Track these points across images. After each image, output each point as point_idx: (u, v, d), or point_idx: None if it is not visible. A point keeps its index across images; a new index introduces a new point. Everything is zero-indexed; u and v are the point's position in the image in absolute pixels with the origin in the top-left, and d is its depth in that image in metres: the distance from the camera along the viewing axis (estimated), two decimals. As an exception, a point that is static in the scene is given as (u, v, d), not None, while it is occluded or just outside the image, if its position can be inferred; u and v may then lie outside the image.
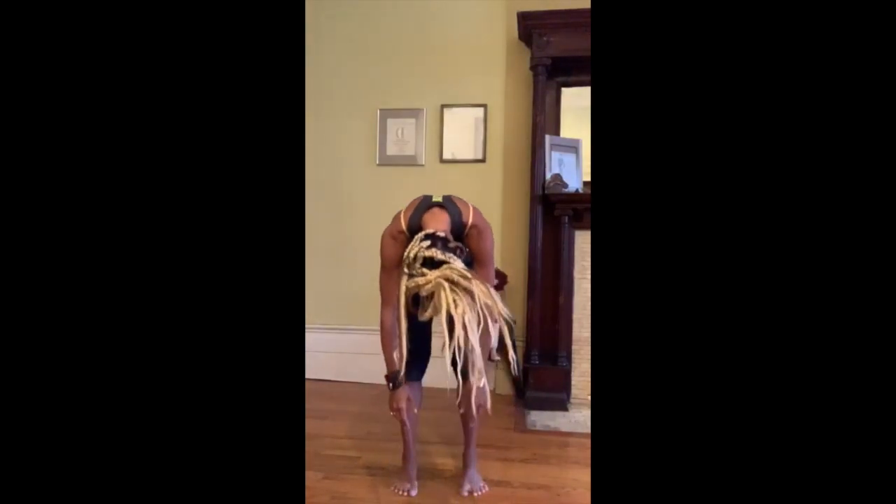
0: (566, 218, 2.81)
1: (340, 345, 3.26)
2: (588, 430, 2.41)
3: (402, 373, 1.70)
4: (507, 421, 2.61)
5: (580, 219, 2.82)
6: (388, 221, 1.76)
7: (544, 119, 2.91)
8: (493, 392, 3.04)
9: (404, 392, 1.75)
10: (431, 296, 1.48)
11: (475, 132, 3.19)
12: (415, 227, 1.65)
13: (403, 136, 3.25)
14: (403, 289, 1.54)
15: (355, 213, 3.24)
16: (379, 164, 3.27)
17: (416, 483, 1.86)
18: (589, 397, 2.81)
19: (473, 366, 1.50)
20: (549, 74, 2.90)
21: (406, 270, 1.55)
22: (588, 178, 2.90)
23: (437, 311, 1.47)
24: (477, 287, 1.47)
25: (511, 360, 1.63)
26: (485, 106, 3.17)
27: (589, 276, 2.82)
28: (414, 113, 3.24)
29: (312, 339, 3.09)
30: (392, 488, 1.85)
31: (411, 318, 1.75)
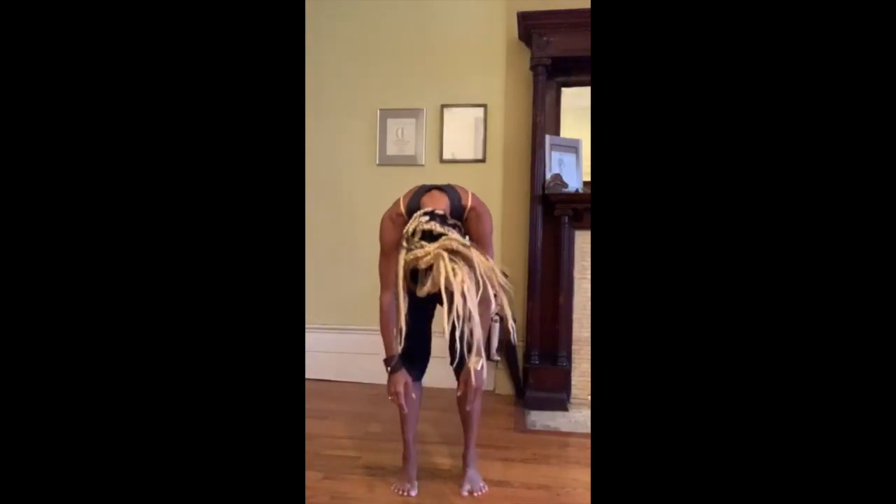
0: (566, 218, 2.81)
1: (340, 345, 3.26)
2: (588, 430, 2.41)
3: (400, 354, 1.70)
4: (507, 421, 2.61)
5: (580, 219, 2.82)
6: (388, 222, 1.76)
7: (544, 119, 2.91)
8: (492, 392, 3.05)
9: (402, 376, 1.75)
10: (430, 269, 1.48)
11: (475, 132, 3.19)
12: (414, 209, 1.65)
13: (403, 136, 3.25)
14: (402, 262, 1.55)
15: (355, 213, 3.24)
16: (379, 164, 3.27)
17: (416, 483, 1.86)
18: (589, 397, 2.81)
19: (472, 335, 1.49)
20: (549, 74, 2.90)
21: (405, 245, 1.56)
22: (588, 178, 2.90)
23: (435, 284, 1.47)
24: (476, 256, 1.48)
25: (510, 330, 1.62)
26: (485, 106, 3.17)
27: (589, 276, 2.82)
28: (414, 113, 3.24)
29: (312, 339, 3.09)
30: (392, 488, 1.85)
31: (411, 314, 1.75)
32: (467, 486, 1.84)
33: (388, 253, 1.70)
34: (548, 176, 2.83)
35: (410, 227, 1.56)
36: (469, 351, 1.54)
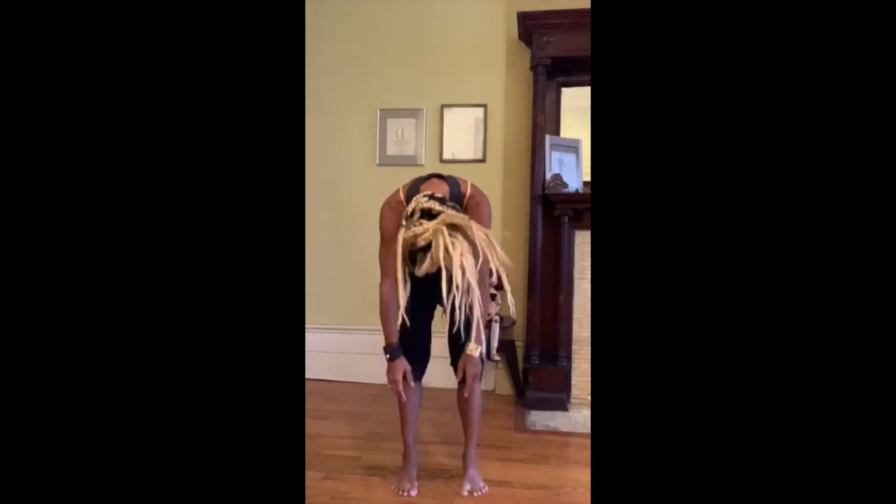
0: (566, 218, 2.81)
1: (340, 345, 3.26)
2: (588, 430, 2.41)
3: (399, 342, 1.71)
4: (507, 421, 2.61)
5: (580, 219, 2.82)
6: (387, 222, 1.76)
7: (544, 119, 2.91)
8: (492, 392, 3.05)
9: (401, 364, 1.75)
10: (429, 247, 1.49)
11: (475, 132, 3.19)
12: (413, 197, 1.66)
13: (403, 136, 3.25)
14: (400, 241, 1.55)
15: (355, 213, 3.24)
16: (379, 164, 3.27)
17: (416, 483, 1.86)
18: (589, 397, 2.81)
19: (471, 309, 1.50)
20: (549, 74, 2.90)
21: (404, 224, 1.57)
22: (588, 178, 2.90)
23: (434, 262, 1.48)
24: (476, 228, 1.49)
25: (510, 304, 1.63)
26: (485, 106, 3.17)
27: (589, 276, 2.82)
28: (414, 113, 3.24)
29: (312, 339, 3.09)
30: (392, 488, 1.85)
31: (411, 314, 1.75)
32: (467, 486, 1.84)
33: (388, 241, 1.70)
34: (548, 176, 2.83)
35: (410, 207, 1.58)
36: (468, 328, 1.55)
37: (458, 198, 1.72)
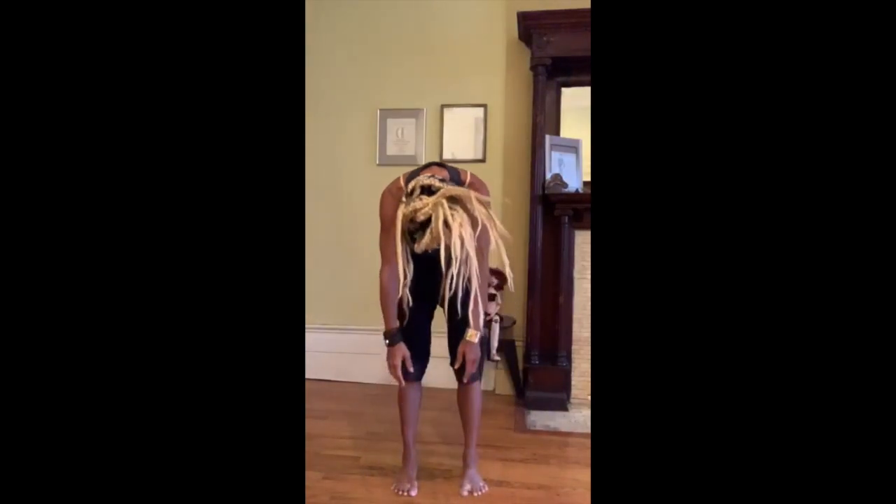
0: (566, 218, 2.81)
1: (340, 345, 3.26)
2: (588, 430, 2.41)
3: (399, 327, 1.73)
4: (507, 421, 2.61)
5: (580, 219, 2.82)
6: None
7: (544, 119, 2.91)
8: (492, 392, 3.05)
9: (400, 350, 1.75)
10: (429, 222, 1.50)
11: (475, 132, 3.19)
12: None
13: (403, 136, 3.25)
14: (400, 215, 1.57)
15: (355, 213, 3.24)
16: (379, 164, 3.27)
17: (416, 483, 1.86)
18: (589, 397, 2.81)
19: (470, 281, 1.52)
20: (549, 74, 2.90)
21: (404, 200, 1.58)
22: (588, 178, 2.90)
23: (434, 238, 1.49)
24: (475, 199, 1.51)
25: (508, 277, 1.64)
26: (485, 106, 3.17)
27: (589, 276, 2.82)
28: (414, 113, 3.24)
29: (312, 339, 3.09)
30: (392, 488, 1.85)
31: (411, 315, 1.76)
32: (467, 486, 1.84)
33: (388, 227, 1.71)
34: (548, 176, 2.83)
35: (410, 185, 1.60)
36: (466, 304, 1.56)
37: (458, 183, 1.73)
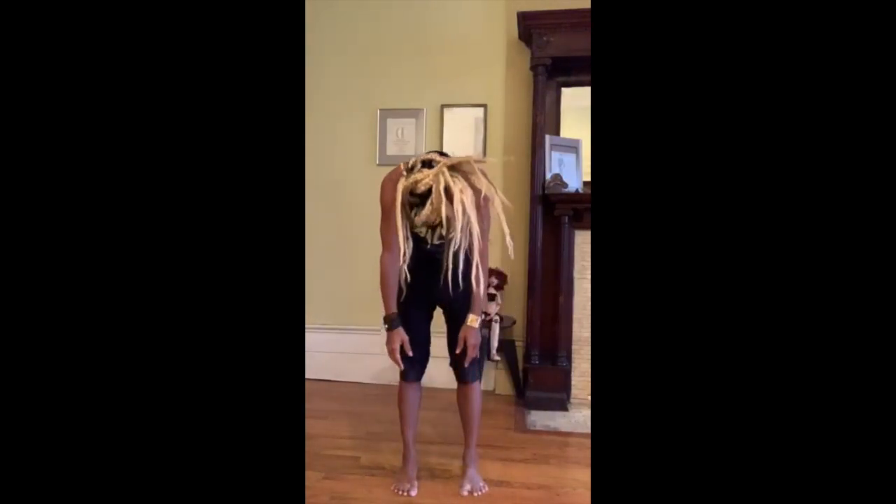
0: (566, 218, 2.81)
1: (340, 345, 3.26)
2: (588, 430, 2.41)
3: (398, 313, 1.74)
4: (507, 421, 2.61)
5: (580, 219, 2.82)
6: (387, 222, 1.77)
7: (544, 119, 2.91)
8: (492, 392, 3.05)
9: (398, 335, 1.76)
10: (429, 193, 1.50)
11: (475, 132, 3.19)
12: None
13: (403, 136, 3.25)
14: (401, 188, 1.58)
15: (355, 213, 3.23)
16: (379, 164, 3.27)
17: (416, 483, 1.86)
18: (589, 397, 2.81)
19: (471, 249, 1.54)
20: (549, 74, 2.90)
21: (405, 174, 1.59)
22: (588, 178, 2.90)
23: (435, 209, 1.50)
24: (477, 166, 1.52)
25: (508, 245, 1.64)
26: (485, 106, 3.17)
27: (589, 276, 2.82)
28: (414, 113, 3.24)
29: (312, 339, 3.09)
30: (392, 488, 1.85)
31: (410, 315, 1.76)
32: (467, 486, 1.84)
33: (388, 213, 1.71)
34: (548, 176, 2.83)
35: (412, 161, 1.61)
36: (468, 274, 1.58)
37: None
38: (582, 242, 2.86)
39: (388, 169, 3.22)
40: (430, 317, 1.90)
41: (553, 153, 2.88)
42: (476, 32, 3.18)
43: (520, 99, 3.12)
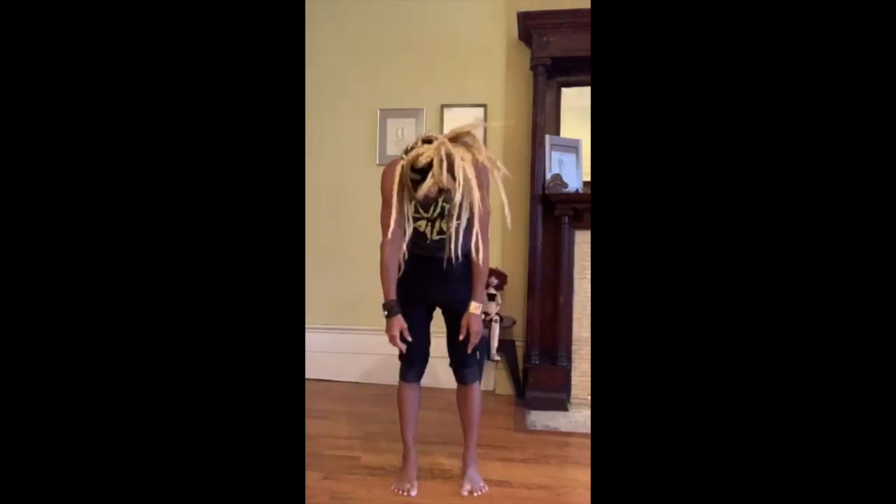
0: (566, 218, 2.81)
1: (340, 345, 3.26)
2: (588, 430, 2.41)
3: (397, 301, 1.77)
4: (507, 421, 2.61)
5: (580, 219, 2.82)
6: (388, 222, 1.77)
7: (544, 119, 2.91)
8: (492, 392, 3.05)
9: (398, 321, 1.76)
10: (430, 168, 1.52)
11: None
12: None
13: (403, 136, 3.25)
14: (402, 165, 1.60)
15: (355, 213, 3.23)
16: (379, 165, 3.26)
17: (416, 483, 1.86)
18: (589, 397, 2.81)
19: (472, 208, 1.57)
20: (549, 74, 2.90)
21: (404, 156, 1.61)
22: (588, 178, 2.90)
23: (436, 180, 1.51)
24: (476, 137, 1.55)
25: (507, 217, 1.65)
26: (485, 106, 3.17)
27: (589, 276, 2.82)
28: (414, 113, 3.24)
29: (312, 339, 3.09)
30: (392, 488, 1.85)
31: (410, 317, 1.76)
32: (467, 486, 1.84)
33: (388, 199, 1.72)
34: (548, 176, 2.83)
35: (412, 141, 1.63)
36: (469, 237, 1.61)
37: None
38: (582, 242, 2.86)
39: (389, 169, 3.24)
40: (430, 317, 1.90)
41: (553, 153, 2.88)
42: (476, 32, 3.18)
43: (520, 99, 3.12)
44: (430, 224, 1.75)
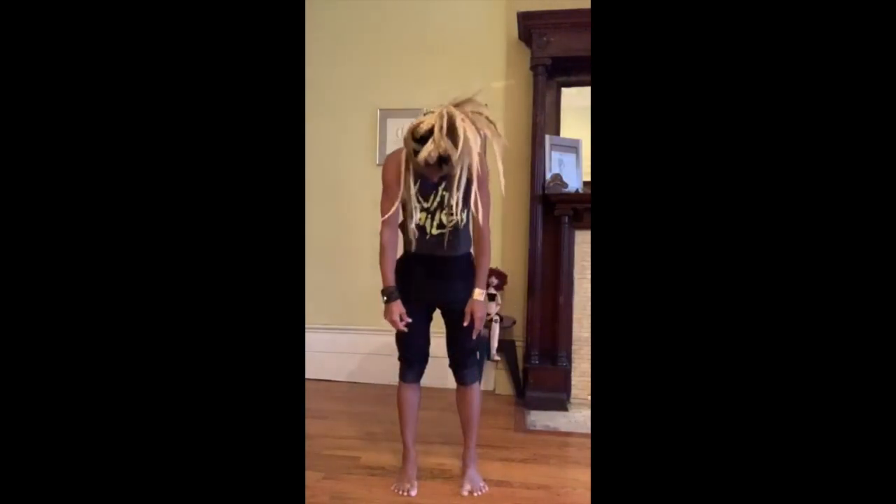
0: (566, 218, 2.81)
1: (340, 345, 3.26)
2: (588, 430, 2.41)
3: (396, 288, 1.78)
4: (507, 421, 2.61)
5: (580, 219, 2.82)
6: (388, 221, 1.78)
7: (544, 119, 2.91)
8: (492, 392, 3.05)
9: (397, 307, 1.77)
10: (431, 131, 1.55)
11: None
12: None
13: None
14: (405, 137, 1.62)
15: (355, 214, 3.24)
16: (379, 165, 3.26)
17: (416, 483, 1.86)
18: (589, 397, 2.81)
19: (471, 170, 1.62)
20: (549, 74, 2.90)
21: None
22: (588, 178, 2.90)
23: (437, 144, 1.53)
24: (477, 102, 1.59)
25: (501, 184, 1.70)
26: (484, 106, 3.16)
27: (589, 276, 2.82)
28: (414, 113, 3.22)
29: (312, 339, 3.09)
30: (392, 488, 1.85)
31: (411, 310, 1.76)
32: (467, 486, 1.84)
33: (389, 187, 1.74)
34: (548, 176, 2.83)
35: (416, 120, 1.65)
36: (468, 196, 1.66)
37: None
38: (582, 242, 2.86)
39: (388, 169, 3.24)
40: (430, 318, 1.90)
41: (553, 153, 2.88)
42: (476, 32, 3.17)
43: (520, 99, 3.12)
44: (429, 216, 1.75)
